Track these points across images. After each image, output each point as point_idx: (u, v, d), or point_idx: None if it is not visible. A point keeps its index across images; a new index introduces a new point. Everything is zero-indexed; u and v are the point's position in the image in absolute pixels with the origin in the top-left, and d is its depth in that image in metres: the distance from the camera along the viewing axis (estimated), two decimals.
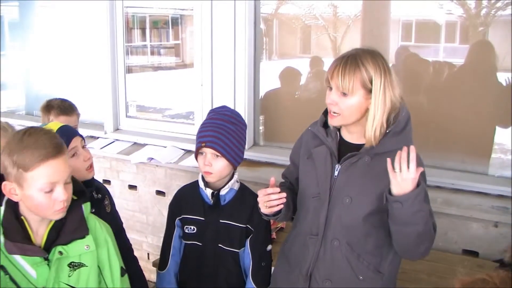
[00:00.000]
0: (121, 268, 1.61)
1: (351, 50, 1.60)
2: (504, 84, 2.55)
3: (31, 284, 1.44)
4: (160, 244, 2.12)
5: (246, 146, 2.03)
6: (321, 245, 1.65)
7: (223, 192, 1.96)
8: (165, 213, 2.11)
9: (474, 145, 2.68)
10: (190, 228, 1.99)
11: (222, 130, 1.90)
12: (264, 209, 1.64)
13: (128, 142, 3.56)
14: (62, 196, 1.40)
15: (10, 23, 4.44)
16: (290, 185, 1.87)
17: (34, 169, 1.37)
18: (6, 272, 1.42)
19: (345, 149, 1.64)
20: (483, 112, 2.64)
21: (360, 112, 1.57)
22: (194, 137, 2.01)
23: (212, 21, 3.09)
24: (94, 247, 1.51)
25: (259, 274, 1.96)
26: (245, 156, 2.03)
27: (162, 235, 2.11)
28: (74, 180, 1.52)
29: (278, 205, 1.61)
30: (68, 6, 3.90)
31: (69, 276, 1.48)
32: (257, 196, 1.65)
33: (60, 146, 1.42)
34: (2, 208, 1.46)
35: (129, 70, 3.65)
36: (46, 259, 1.45)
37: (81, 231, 1.50)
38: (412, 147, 1.41)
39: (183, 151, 3.32)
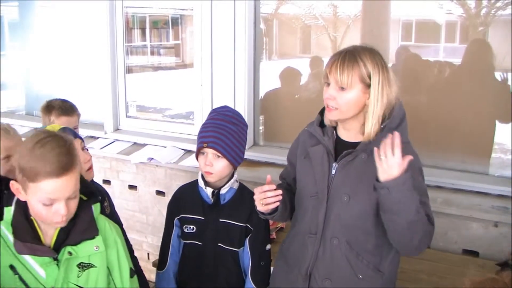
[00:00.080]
0: (130, 269, 1.61)
1: (349, 46, 1.62)
2: (499, 79, 2.55)
3: (40, 284, 1.44)
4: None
5: (246, 146, 2.03)
6: (320, 244, 1.65)
7: (223, 191, 1.96)
8: (165, 213, 2.11)
9: (474, 145, 2.68)
10: (190, 227, 1.99)
11: (223, 131, 1.90)
12: (260, 206, 1.65)
13: (128, 142, 3.56)
14: (61, 211, 1.39)
15: (10, 23, 4.44)
16: (288, 186, 1.87)
17: (36, 182, 1.36)
18: (16, 272, 1.43)
19: (341, 148, 1.64)
20: (483, 111, 2.64)
21: (357, 106, 1.58)
22: (194, 137, 2.01)
23: (212, 21, 3.09)
24: (104, 248, 1.51)
25: (259, 274, 1.96)
26: (245, 156, 2.03)
27: None
28: (84, 181, 1.52)
29: (274, 202, 1.62)
30: (68, 6, 3.90)
31: (78, 277, 1.48)
32: None
33: (66, 166, 1.37)
34: (12, 208, 1.47)
35: (129, 70, 3.65)
36: (56, 259, 1.45)
37: (91, 232, 1.50)
38: (396, 133, 1.41)
39: (183, 151, 3.32)
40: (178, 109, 3.71)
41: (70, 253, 1.45)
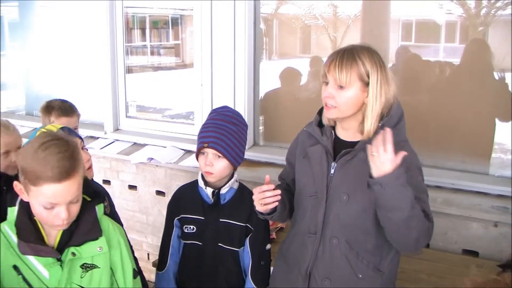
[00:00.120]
0: (134, 270, 1.61)
1: (347, 45, 1.62)
2: (497, 77, 2.55)
3: (43, 284, 1.45)
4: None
5: (246, 146, 2.03)
6: (320, 243, 1.65)
7: (223, 191, 1.96)
8: (165, 213, 2.11)
9: (474, 145, 2.68)
10: (190, 227, 2.00)
11: (223, 131, 1.91)
12: (259, 206, 1.64)
13: (128, 142, 3.56)
14: (62, 215, 1.39)
15: (10, 23, 4.44)
16: (287, 186, 1.87)
17: (37, 186, 1.36)
18: (19, 272, 1.43)
19: (340, 147, 1.64)
20: (483, 111, 2.64)
21: (356, 105, 1.58)
22: (194, 137, 2.01)
23: (212, 21, 3.09)
24: (107, 248, 1.51)
25: (259, 273, 1.96)
26: (245, 156, 2.04)
27: None
28: (87, 182, 1.52)
29: (273, 202, 1.62)
30: (68, 6, 3.90)
31: (81, 277, 1.48)
32: None
33: (68, 170, 1.36)
34: (16, 208, 1.47)
35: (129, 70, 3.65)
36: (59, 260, 1.45)
37: (94, 232, 1.50)
38: (387, 129, 1.41)
39: (183, 151, 3.32)
40: (178, 109, 3.71)
41: (73, 253, 1.46)
